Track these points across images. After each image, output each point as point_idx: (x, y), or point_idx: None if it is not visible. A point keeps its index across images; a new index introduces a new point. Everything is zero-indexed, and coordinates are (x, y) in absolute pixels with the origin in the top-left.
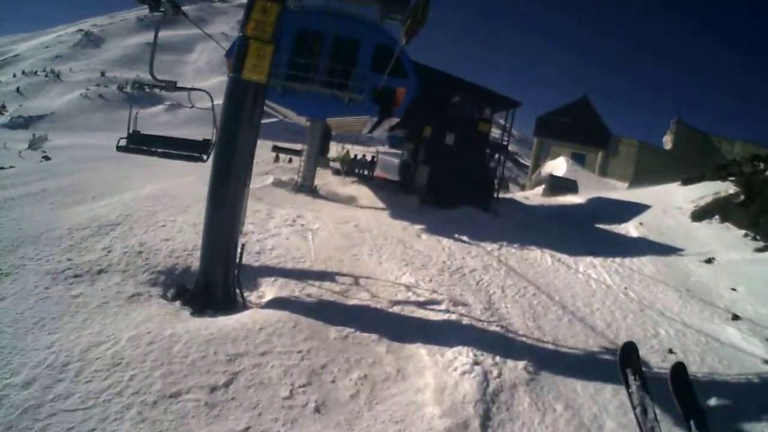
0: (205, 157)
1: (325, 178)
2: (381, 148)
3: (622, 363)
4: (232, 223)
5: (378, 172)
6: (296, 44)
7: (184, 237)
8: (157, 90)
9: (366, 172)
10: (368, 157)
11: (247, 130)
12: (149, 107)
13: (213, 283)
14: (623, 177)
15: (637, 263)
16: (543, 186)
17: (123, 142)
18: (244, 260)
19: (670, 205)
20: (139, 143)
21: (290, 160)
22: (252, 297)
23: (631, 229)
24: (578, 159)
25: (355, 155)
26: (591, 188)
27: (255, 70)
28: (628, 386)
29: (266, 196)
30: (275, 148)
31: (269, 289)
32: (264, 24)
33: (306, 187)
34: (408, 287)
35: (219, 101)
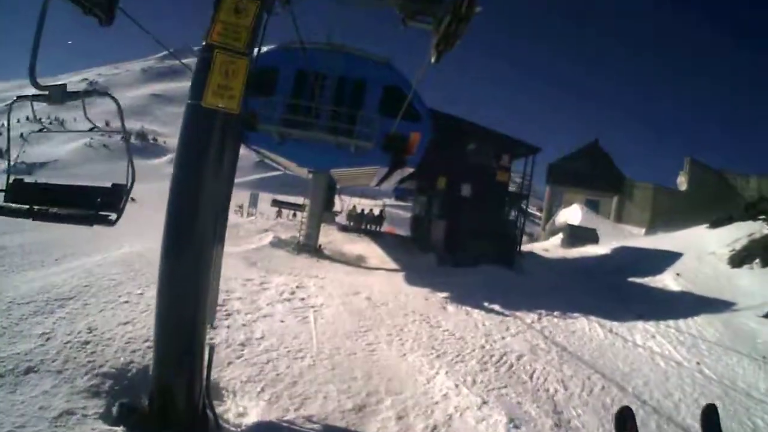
0: (113, 217)
1: (330, 235)
2: (388, 201)
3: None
4: (197, 309)
5: (386, 227)
6: (295, 86)
7: (148, 320)
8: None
9: (374, 227)
10: (375, 211)
11: (214, 175)
12: (153, 159)
13: (171, 399)
14: (639, 222)
15: (694, 326)
16: (561, 236)
17: None
18: (223, 355)
19: (702, 251)
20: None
21: (294, 215)
22: (230, 414)
23: (669, 281)
24: (592, 205)
25: (362, 210)
26: (608, 235)
27: (222, 93)
28: None
29: (262, 259)
30: (275, 203)
31: (254, 404)
32: (236, 29)
33: (309, 246)
34: (447, 396)
35: None
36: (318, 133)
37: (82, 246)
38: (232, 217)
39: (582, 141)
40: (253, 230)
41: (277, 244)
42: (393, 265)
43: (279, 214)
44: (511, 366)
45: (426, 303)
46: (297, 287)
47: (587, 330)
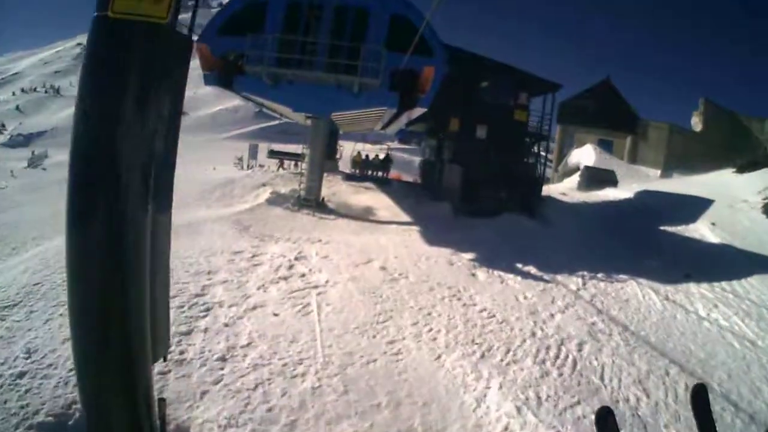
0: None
1: (334, 185)
2: (391, 145)
3: (694, 406)
4: (132, 338)
5: (392, 173)
6: (287, 20)
7: None
8: None
9: (381, 174)
10: (381, 156)
11: (138, 119)
12: None
13: None
14: (654, 163)
15: (752, 291)
16: (577, 178)
17: None
18: (195, 379)
19: (733, 198)
20: None
21: (295, 165)
22: None
23: (704, 231)
24: (605, 146)
25: (366, 155)
26: (624, 177)
27: None
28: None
29: (256, 222)
30: (272, 153)
31: None
32: None
33: (311, 201)
34: (508, 428)
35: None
36: (315, 72)
37: (41, 230)
38: (228, 173)
39: (593, 80)
40: (249, 186)
41: (275, 200)
42: (405, 218)
43: (281, 165)
44: (575, 364)
45: (452, 269)
46: (296, 258)
47: (641, 298)
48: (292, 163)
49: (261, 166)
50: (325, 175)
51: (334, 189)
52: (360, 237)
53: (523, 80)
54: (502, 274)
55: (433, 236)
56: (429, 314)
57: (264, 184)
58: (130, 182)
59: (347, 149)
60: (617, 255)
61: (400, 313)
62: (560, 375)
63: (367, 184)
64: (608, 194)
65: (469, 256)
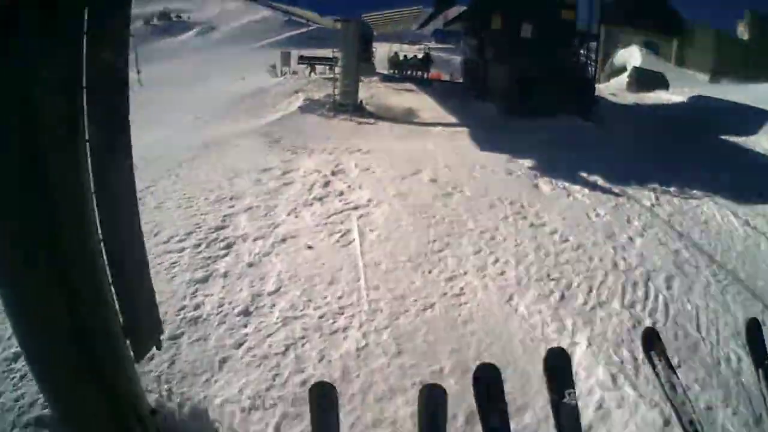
0: None
1: (371, 88)
2: (428, 45)
3: (645, 347)
4: (104, 316)
5: (432, 72)
6: None
7: None
8: None
9: (420, 74)
10: (419, 56)
11: None
12: (180, 35)
13: None
14: (702, 68)
15: None
16: (625, 79)
17: None
18: (213, 342)
19: None
20: None
21: (331, 69)
22: None
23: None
24: (651, 47)
25: (404, 55)
26: (673, 80)
27: None
28: (654, 367)
29: (289, 133)
30: (302, 59)
31: None
32: None
33: (348, 105)
34: (605, 410)
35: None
36: None
37: None
38: (259, 82)
39: None
40: (281, 94)
41: (309, 107)
42: (451, 119)
43: (312, 70)
44: (667, 307)
45: (511, 180)
46: (333, 173)
47: (720, 220)
48: (327, 68)
49: (294, 72)
50: (361, 78)
51: (371, 91)
52: (404, 143)
53: None
54: (567, 185)
55: (485, 140)
56: (492, 239)
57: (297, 91)
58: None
59: (382, 51)
60: (684, 165)
61: (459, 239)
62: (654, 324)
63: (407, 84)
64: (660, 96)
65: (528, 163)
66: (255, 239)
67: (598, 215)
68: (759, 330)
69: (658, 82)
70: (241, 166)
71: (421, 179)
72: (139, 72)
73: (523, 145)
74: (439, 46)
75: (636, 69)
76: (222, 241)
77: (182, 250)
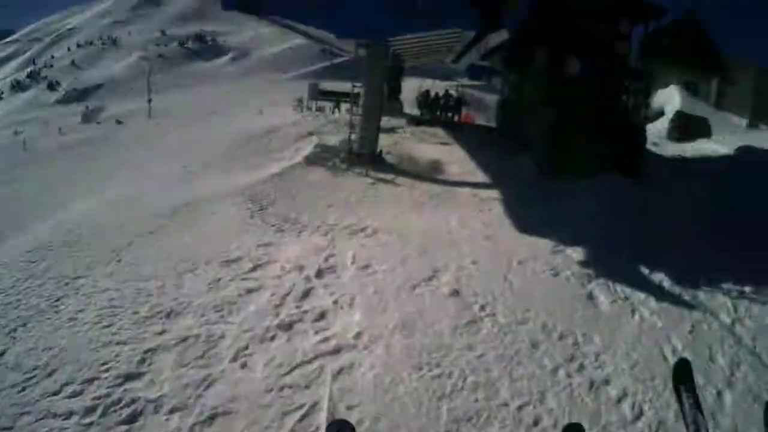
0: None
1: (395, 133)
2: (461, 81)
3: (675, 380)
4: None
5: (464, 114)
6: None
7: None
8: None
9: (451, 116)
10: (451, 94)
11: None
12: (213, 59)
13: None
14: (741, 111)
15: None
16: (666, 125)
17: None
18: None
19: None
20: None
21: (337, 106)
22: None
23: None
24: (691, 88)
25: (436, 93)
26: (713, 125)
27: None
28: (681, 404)
29: (282, 194)
30: (320, 94)
31: None
32: None
33: (365, 156)
34: None
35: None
36: None
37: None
38: (276, 118)
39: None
40: (292, 136)
41: (319, 156)
42: (481, 177)
43: (337, 107)
44: None
45: (558, 290)
46: (319, 272)
47: None
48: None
49: (319, 109)
50: (386, 119)
51: (395, 137)
52: (423, 215)
53: (621, 2)
54: (628, 292)
55: (521, 212)
56: (536, 424)
57: (311, 133)
58: None
59: (411, 86)
60: (756, 248)
61: (487, 426)
62: None
63: (436, 130)
64: (703, 147)
65: (577, 254)
66: (171, 411)
67: (674, 350)
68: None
69: (701, 129)
70: (203, 253)
71: (438, 289)
72: (150, 101)
73: (567, 219)
74: (472, 83)
75: (679, 114)
76: (126, 407)
77: (69, 415)
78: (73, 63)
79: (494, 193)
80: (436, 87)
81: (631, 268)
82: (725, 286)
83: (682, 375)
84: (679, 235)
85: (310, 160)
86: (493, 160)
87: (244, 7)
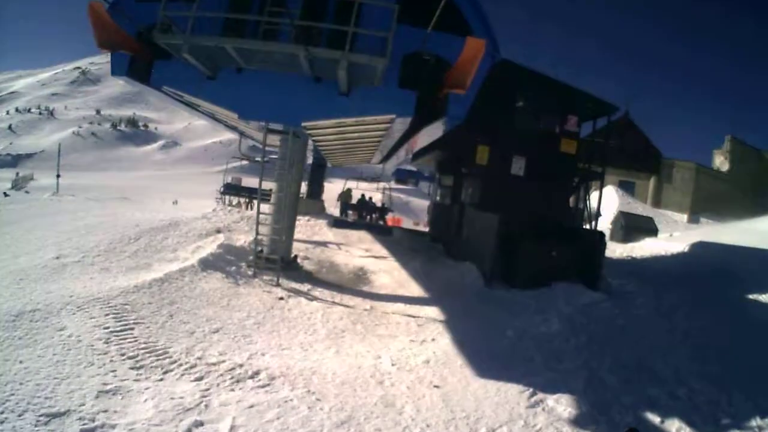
0: None
1: (317, 234)
2: (386, 184)
3: None
4: None
5: (389, 217)
6: None
7: None
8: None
9: (375, 217)
10: (377, 198)
11: None
12: (144, 145)
13: None
14: (680, 207)
15: None
16: (608, 225)
17: None
18: None
19: None
20: None
21: (248, 204)
22: None
23: None
24: (627, 187)
25: (363, 195)
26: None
27: None
28: None
29: (157, 310)
30: (228, 188)
31: None
32: None
33: (277, 262)
34: None
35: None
36: (280, 45)
37: None
38: (184, 213)
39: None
40: (195, 232)
41: (219, 259)
42: (416, 290)
43: (247, 204)
44: None
45: None
46: None
47: None
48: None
49: (238, 204)
50: (306, 219)
51: (317, 238)
52: (343, 351)
53: (570, 99)
54: None
55: (476, 340)
56: None
57: (219, 231)
58: None
59: (334, 189)
60: (745, 375)
61: None
62: None
63: (361, 233)
64: (654, 247)
65: (565, 408)
66: None
67: None
68: None
69: (647, 228)
70: (19, 395)
71: None
72: (58, 176)
73: (536, 350)
74: (399, 186)
75: (624, 215)
76: None
77: None
78: (10, 128)
79: (435, 312)
80: (362, 189)
81: (623, 416)
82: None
83: None
84: (656, 358)
85: (208, 264)
86: (429, 269)
87: (133, 75)
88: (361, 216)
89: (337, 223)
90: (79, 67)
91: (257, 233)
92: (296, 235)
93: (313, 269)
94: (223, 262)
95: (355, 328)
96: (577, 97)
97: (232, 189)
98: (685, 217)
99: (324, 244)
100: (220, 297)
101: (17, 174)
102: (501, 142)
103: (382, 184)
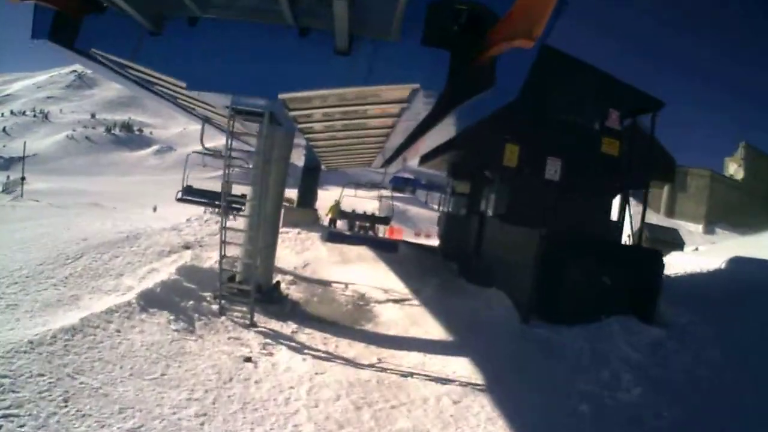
0: None
1: (307, 249)
2: (384, 192)
3: None
4: None
5: (391, 228)
6: None
7: None
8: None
9: (372, 231)
10: (374, 207)
11: None
12: (138, 150)
13: None
14: (694, 217)
15: None
16: (628, 239)
17: None
18: None
19: None
20: None
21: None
22: None
23: None
24: (638, 197)
25: (353, 210)
26: None
27: None
28: None
29: (47, 390)
30: (189, 192)
31: None
32: None
33: (247, 291)
34: None
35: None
36: None
37: None
38: (156, 222)
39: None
40: (160, 247)
41: (166, 293)
42: (434, 328)
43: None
44: None
45: None
46: None
47: None
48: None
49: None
50: (297, 232)
51: (306, 256)
52: None
53: (612, 93)
54: None
55: (538, 425)
56: None
57: (188, 246)
58: None
59: (329, 198)
60: None
61: None
62: None
63: (360, 249)
64: (684, 263)
65: None
66: None
67: None
68: None
69: (673, 241)
70: None
71: None
72: (23, 179)
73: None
74: (396, 194)
75: (649, 227)
76: None
77: None
78: (4, 130)
79: (467, 369)
80: (360, 197)
81: None
82: None
83: None
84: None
85: (152, 300)
86: (444, 295)
87: (57, 36)
88: (352, 228)
89: (331, 236)
90: (75, 71)
91: (222, 254)
92: (283, 252)
93: (302, 297)
94: (177, 294)
95: (361, 419)
96: (616, 89)
97: (194, 193)
98: (700, 227)
99: (316, 263)
100: (155, 359)
101: (8, 177)
102: (534, 141)
103: (382, 191)
